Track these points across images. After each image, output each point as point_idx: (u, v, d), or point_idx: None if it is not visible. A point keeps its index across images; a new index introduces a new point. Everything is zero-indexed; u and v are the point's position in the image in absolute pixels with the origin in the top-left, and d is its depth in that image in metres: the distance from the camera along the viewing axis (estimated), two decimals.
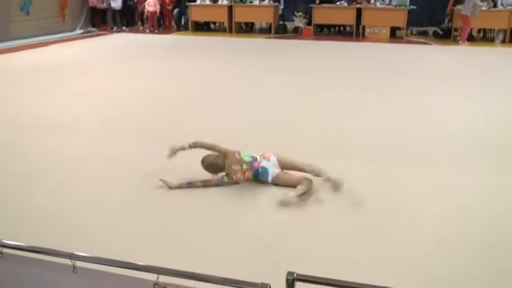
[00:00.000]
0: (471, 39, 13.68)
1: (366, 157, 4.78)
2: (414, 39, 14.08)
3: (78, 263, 1.84)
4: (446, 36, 13.87)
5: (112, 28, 15.84)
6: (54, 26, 14.32)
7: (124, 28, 16.02)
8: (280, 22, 15.63)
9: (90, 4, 15.59)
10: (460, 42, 12.96)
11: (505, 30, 13.22)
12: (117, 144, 5.16)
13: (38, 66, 9.69)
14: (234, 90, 7.64)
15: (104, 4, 15.59)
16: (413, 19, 14.69)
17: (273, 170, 4.10)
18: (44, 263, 1.91)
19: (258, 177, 4.14)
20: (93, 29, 15.75)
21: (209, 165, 4.17)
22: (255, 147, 4.53)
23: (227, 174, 4.13)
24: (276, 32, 15.11)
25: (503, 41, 13.18)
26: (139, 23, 16.62)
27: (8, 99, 7.14)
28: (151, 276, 1.76)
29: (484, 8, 13.02)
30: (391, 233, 3.37)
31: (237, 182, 4.12)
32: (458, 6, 13.04)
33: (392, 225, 3.47)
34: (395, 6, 14.02)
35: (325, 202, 3.82)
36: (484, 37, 14.28)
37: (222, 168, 4.16)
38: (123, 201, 3.85)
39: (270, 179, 4.09)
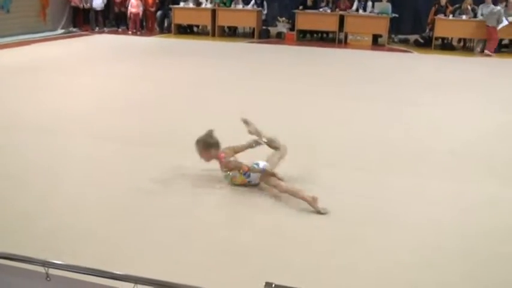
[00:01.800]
0: (451, 48, 13.86)
1: (347, 164, 4.79)
2: (396, 46, 14.21)
3: (52, 271, 1.79)
4: (428, 44, 14.03)
5: (94, 29, 15.72)
6: (35, 25, 14.15)
7: (104, 29, 15.90)
8: (264, 27, 15.65)
9: (72, 4, 15.44)
10: (486, 52, 13.05)
11: (484, 41, 13.40)
12: (99, 146, 5.10)
13: (18, 66, 9.55)
14: (215, 94, 7.61)
15: (88, 4, 15.45)
16: (395, 27, 14.83)
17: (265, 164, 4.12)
18: (16, 270, 1.86)
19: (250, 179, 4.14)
20: (75, 29, 15.59)
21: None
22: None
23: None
24: (259, 37, 15.13)
25: (482, 51, 13.36)
26: (116, 25, 16.46)
27: None
28: (128, 286, 1.73)
29: (464, 18, 13.27)
30: (369, 242, 3.37)
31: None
32: (481, 17, 13.24)
33: (371, 234, 3.47)
34: (378, 14, 14.15)
35: (306, 210, 3.80)
36: (464, 47, 14.47)
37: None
38: (105, 204, 3.80)
39: (261, 165, 4.09)
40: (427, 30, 14.44)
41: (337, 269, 3.04)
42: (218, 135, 4.16)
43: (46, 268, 1.78)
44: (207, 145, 4.12)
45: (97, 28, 15.80)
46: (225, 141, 4.20)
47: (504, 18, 12.72)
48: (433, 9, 14.17)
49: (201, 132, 4.17)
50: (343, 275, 2.97)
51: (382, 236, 3.46)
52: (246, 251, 3.20)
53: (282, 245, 3.29)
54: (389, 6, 14.12)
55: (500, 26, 12.76)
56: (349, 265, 3.08)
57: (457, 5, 13.97)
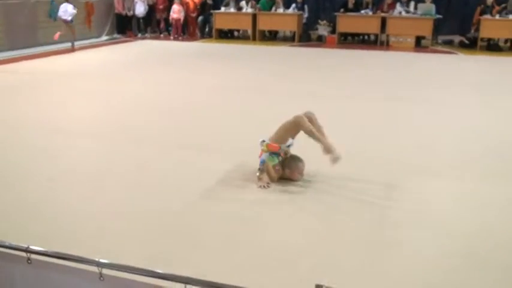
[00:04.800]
0: (497, 49, 13.50)
1: (396, 166, 4.72)
2: (440, 48, 13.94)
3: (105, 271, 1.83)
4: (473, 45, 13.70)
5: (136, 35, 16.05)
6: (81, 32, 14.54)
7: (146, 35, 16.20)
8: (304, 30, 15.62)
9: (116, 11, 15.81)
10: None
11: None
12: (142, 151, 5.18)
13: (64, 72, 9.83)
14: (256, 99, 7.64)
15: (130, 12, 15.78)
16: (439, 28, 14.55)
17: None
18: (71, 269, 1.90)
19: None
20: (119, 35, 15.94)
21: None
22: None
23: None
24: (300, 40, 15.10)
25: None
26: (158, 31, 16.75)
27: (38, 104, 7.23)
28: (179, 286, 1.75)
29: (511, 17, 12.90)
30: (415, 246, 3.31)
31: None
32: (484, 17, 12.90)
33: (417, 238, 3.41)
34: (421, 15, 13.91)
35: (354, 212, 3.76)
36: (511, 47, 14.05)
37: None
38: (150, 209, 3.85)
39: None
40: (472, 31, 14.11)
41: (385, 272, 2.99)
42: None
43: (100, 268, 1.81)
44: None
45: (139, 34, 16.12)
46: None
47: None
48: (479, 9, 13.84)
49: (247, 137, 4.18)
50: (391, 279, 2.92)
51: (431, 240, 3.39)
52: (295, 253, 3.18)
53: (332, 247, 3.26)
54: (433, 7, 13.86)
55: None
56: (397, 269, 3.03)
57: (503, 5, 13.58)
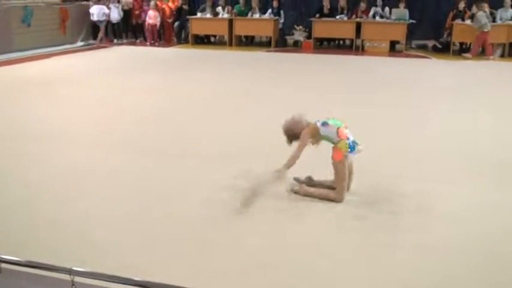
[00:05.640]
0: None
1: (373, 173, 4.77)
2: (413, 52, 14.14)
3: (78, 279, 1.82)
4: (445, 49, 13.93)
5: (112, 41, 15.94)
6: (56, 38, 14.41)
7: (123, 41, 16.10)
8: (281, 36, 15.70)
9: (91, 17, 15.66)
10: (465, 55, 13.11)
11: (504, 45, 13.28)
12: (117, 157, 5.15)
13: (39, 78, 9.72)
14: (232, 104, 7.65)
15: (104, 17, 15.62)
16: (413, 33, 14.75)
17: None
18: (42, 278, 1.89)
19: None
20: (94, 41, 15.81)
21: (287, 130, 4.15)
22: (256, 160, 4.52)
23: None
24: (276, 46, 15.17)
25: (502, 55, 13.24)
26: (134, 37, 16.65)
27: (12, 109, 7.16)
28: None
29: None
30: (398, 252, 3.36)
31: None
32: (467, 22, 13.18)
33: (400, 243, 3.46)
34: (395, 20, 14.10)
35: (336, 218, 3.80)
36: (483, 51, 14.32)
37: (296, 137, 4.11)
38: (125, 213, 3.84)
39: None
40: (445, 36, 14.35)
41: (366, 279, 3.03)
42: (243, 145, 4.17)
43: (72, 276, 1.81)
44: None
45: (115, 40, 16.02)
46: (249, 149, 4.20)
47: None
48: (451, 14, 14.10)
49: (225, 140, 4.19)
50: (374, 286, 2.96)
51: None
52: (271, 260, 3.20)
53: (310, 254, 3.29)
54: (406, 12, 14.06)
55: None
56: (380, 276, 3.07)
57: (475, 10, 13.84)
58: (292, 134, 4.14)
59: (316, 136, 4.05)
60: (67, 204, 3.99)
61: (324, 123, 4.04)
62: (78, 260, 2.98)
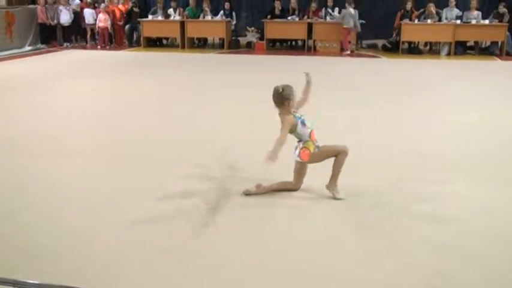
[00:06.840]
0: (417, 51, 14.12)
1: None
2: (364, 52, 14.42)
3: None
4: (395, 49, 14.28)
5: (62, 45, 15.60)
6: (2, 43, 14.00)
7: (73, 44, 15.77)
8: (233, 37, 15.74)
9: (39, 20, 15.27)
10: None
11: (450, 43, 13.72)
12: (69, 163, 5.04)
13: None
14: (185, 106, 7.61)
15: (54, 21, 15.32)
16: (363, 33, 15.04)
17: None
18: None
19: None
20: (43, 45, 15.42)
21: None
22: (209, 163, 4.50)
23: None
24: (229, 47, 15.19)
25: (448, 54, 13.68)
26: (85, 40, 16.36)
27: None
28: None
29: (429, 22, 13.59)
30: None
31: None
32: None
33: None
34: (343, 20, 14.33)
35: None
36: (430, 50, 14.79)
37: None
38: (73, 221, 3.76)
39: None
40: (394, 35, 14.71)
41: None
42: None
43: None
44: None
45: (65, 44, 15.69)
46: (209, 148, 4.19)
47: None
48: (399, 14, 14.48)
49: (178, 142, 4.16)
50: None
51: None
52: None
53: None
54: (356, 12, 14.32)
55: None
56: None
57: (422, 10, 14.26)
58: (280, 102, 4.19)
59: (292, 130, 4.10)
60: (13, 214, 3.88)
61: (303, 123, 4.11)
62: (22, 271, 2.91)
